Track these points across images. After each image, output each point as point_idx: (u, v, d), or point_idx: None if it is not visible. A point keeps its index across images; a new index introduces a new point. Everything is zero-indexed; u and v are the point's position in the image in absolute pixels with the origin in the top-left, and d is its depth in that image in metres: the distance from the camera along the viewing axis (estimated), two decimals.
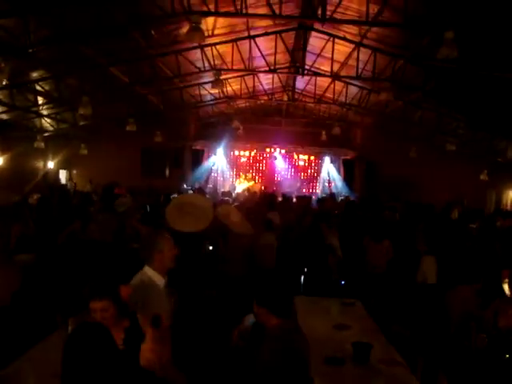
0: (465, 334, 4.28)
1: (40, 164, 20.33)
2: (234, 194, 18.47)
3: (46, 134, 18.86)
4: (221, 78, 14.98)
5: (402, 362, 4.50)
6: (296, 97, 20.79)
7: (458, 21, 9.27)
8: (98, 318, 3.18)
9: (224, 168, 23.94)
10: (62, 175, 21.93)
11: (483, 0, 8.99)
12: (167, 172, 22.30)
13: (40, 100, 15.90)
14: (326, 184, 24.01)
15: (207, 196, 14.93)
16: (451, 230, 9.52)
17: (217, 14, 10.70)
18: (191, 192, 16.63)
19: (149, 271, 4.13)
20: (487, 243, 8.09)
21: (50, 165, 20.72)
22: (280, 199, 14.61)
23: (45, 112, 17.30)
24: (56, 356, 3.72)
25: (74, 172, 22.34)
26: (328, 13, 11.18)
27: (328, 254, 8.01)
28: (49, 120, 18.31)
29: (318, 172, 24.38)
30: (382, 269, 8.09)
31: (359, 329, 5.19)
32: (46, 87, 14.87)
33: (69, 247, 7.42)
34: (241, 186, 23.30)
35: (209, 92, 18.72)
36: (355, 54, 14.16)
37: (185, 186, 20.43)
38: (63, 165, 21.60)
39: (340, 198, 18.80)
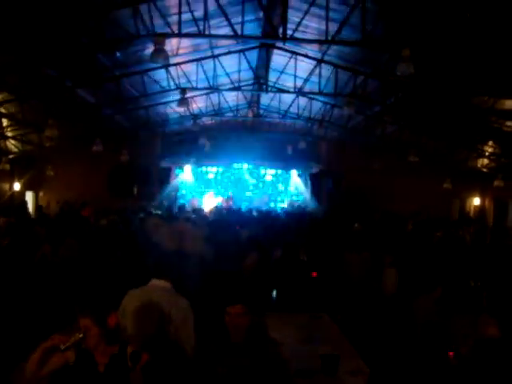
0: (430, 347, 4.41)
1: (6, 186, 20.03)
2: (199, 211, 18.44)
3: (11, 156, 18.64)
4: (186, 96, 15.08)
5: (369, 372, 4.61)
6: (261, 113, 21.05)
7: (415, 39, 9.61)
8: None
9: (192, 185, 23.95)
10: (29, 197, 21.59)
11: (438, 19, 9.33)
12: (135, 191, 22.18)
13: (5, 122, 15.76)
14: (294, 198, 24.21)
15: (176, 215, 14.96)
16: (410, 240, 9.77)
17: (180, 35, 10.80)
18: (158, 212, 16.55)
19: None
20: (447, 251, 8.34)
21: (16, 186, 20.42)
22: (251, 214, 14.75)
23: (9, 134, 17.12)
24: None
25: (41, 193, 22.03)
26: (289, 32, 11.40)
27: (305, 270, 8.08)
28: (14, 142, 18.11)
29: (285, 186, 24.59)
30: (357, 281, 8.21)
31: (327, 341, 5.30)
32: (11, 109, 14.76)
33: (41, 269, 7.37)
34: (209, 202, 23.34)
35: (174, 110, 18.80)
36: (317, 70, 14.46)
37: (154, 205, 20.28)
38: (30, 186, 21.30)
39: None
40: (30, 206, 20.31)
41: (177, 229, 8.52)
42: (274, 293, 8.20)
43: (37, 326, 5.15)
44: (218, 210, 18.02)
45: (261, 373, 3.27)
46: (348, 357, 4.84)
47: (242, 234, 9.70)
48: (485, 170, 19.52)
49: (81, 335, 3.00)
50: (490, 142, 17.13)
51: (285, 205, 23.98)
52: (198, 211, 16.69)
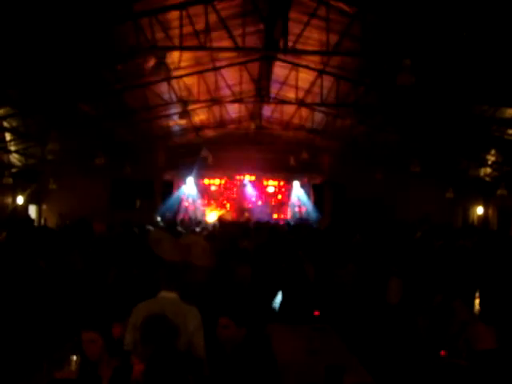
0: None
1: (9, 200, 20.07)
2: (203, 223, 18.50)
3: (14, 170, 18.70)
4: (188, 109, 15.16)
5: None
6: (263, 124, 21.09)
7: (415, 49, 9.66)
8: (85, 349, 3.22)
9: (195, 197, 23.98)
10: (32, 210, 21.63)
11: (438, 30, 9.38)
12: (138, 203, 22.18)
13: (7, 136, 15.83)
14: (297, 209, 24.21)
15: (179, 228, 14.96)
16: (415, 250, 9.73)
17: (181, 48, 10.88)
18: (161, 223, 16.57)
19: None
20: (447, 261, 8.31)
21: (19, 200, 20.46)
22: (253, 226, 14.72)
23: (12, 148, 17.18)
24: None
25: (44, 207, 22.07)
26: (290, 43, 11.49)
27: (305, 281, 8.07)
28: (17, 155, 18.17)
29: (288, 197, 24.59)
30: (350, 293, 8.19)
31: (331, 353, 5.29)
32: (13, 123, 14.83)
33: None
34: (212, 214, 23.37)
35: (177, 123, 18.87)
36: (319, 81, 14.51)
37: (158, 218, 20.29)
38: (32, 200, 21.35)
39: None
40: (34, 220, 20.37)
41: (184, 241, 8.49)
42: (277, 304, 8.20)
43: (37, 338, 5.16)
44: (221, 222, 18.03)
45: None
46: (351, 368, 4.81)
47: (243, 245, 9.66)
48: (487, 178, 19.50)
49: (75, 358, 3.06)
50: (492, 151, 17.13)
51: (287, 216, 23.96)
52: (201, 224, 16.75)
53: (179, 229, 14.07)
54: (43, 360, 4.20)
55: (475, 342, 4.23)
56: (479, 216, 21.88)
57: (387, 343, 5.82)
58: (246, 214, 22.97)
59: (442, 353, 4.30)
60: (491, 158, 17.93)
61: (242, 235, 10.86)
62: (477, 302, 10.01)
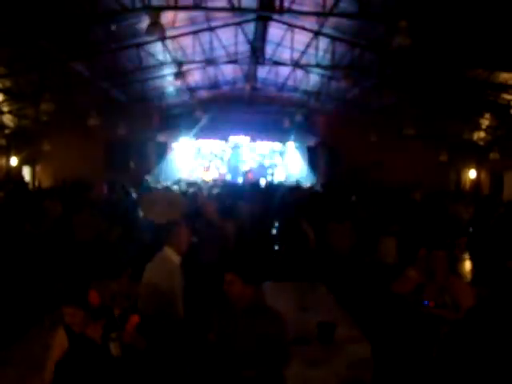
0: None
1: (2, 161, 20.07)
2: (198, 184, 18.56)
3: (7, 131, 18.64)
4: (182, 69, 15.06)
5: (364, 339, 4.78)
6: (258, 86, 20.96)
7: (412, 11, 9.61)
8: (68, 321, 3.36)
9: (189, 159, 24.03)
10: (26, 171, 21.66)
11: None
12: (132, 165, 22.20)
13: (0, 97, 15.73)
14: (291, 171, 24.33)
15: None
16: (411, 211, 9.88)
17: (176, 8, 10.76)
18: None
19: (168, 251, 4.73)
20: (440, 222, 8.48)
21: (13, 162, 20.46)
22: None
23: (5, 108, 17.09)
24: (35, 352, 3.95)
25: (38, 168, 22.07)
26: (286, 4, 11.39)
27: (305, 242, 8.19)
28: (10, 116, 18.08)
29: (283, 159, 24.68)
30: (346, 251, 8.32)
31: (324, 310, 5.46)
32: (6, 84, 14.73)
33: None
34: (206, 175, 23.49)
35: (171, 84, 18.74)
36: (314, 42, 14.41)
37: (147, 178, 20.30)
38: (26, 161, 21.34)
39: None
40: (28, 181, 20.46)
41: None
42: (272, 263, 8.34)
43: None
44: (214, 184, 18.16)
45: (259, 336, 3.40)
46: (343, 325, 4.98)
47: (240, 207, 9.78)
48: (481, 142, 19.63)
49: None
50: (486, 115, 17.20)
51: (282, 178, 24.10)
52: (195, 184, 16.85)
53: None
54: (43, 315, 4.36)
55: (458, 296, 4.42)
56: (472, 180, 22.11)
57: (379, 299, 6.00)
58: (249, 175, 23.17)
59: (425, 304, 4.49)
60: (485, 122, 18.03)
61: (238, 196, 10.94)
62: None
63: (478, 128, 18.59)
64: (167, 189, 14.46)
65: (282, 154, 24.80)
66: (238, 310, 3.52)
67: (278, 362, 3.50)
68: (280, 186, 17.81)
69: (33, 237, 7.74)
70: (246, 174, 23.83)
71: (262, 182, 20.10)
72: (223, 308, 3.62)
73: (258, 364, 3.37)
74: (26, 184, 18.83)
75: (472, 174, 22.09)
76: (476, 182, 21.76)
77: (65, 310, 3.34)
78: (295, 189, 15.38)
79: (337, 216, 8.84)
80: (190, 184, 17.52)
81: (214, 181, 20.18)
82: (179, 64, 14.97)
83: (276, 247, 9.19)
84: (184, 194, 12.81)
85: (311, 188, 18.45)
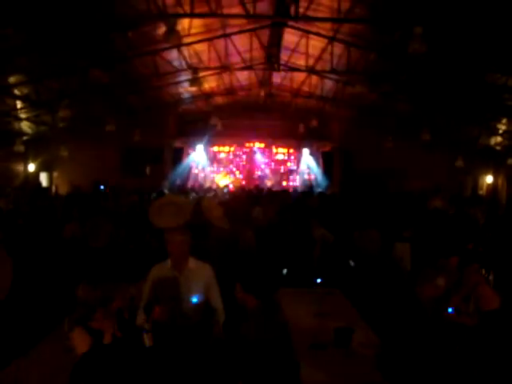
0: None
1: (20, 167, 20.29)
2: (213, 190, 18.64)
3: (25, 138, 18.85)
4: (198, 76, 15.15)
5: (380, 345, 4.77)
6: (273, 92, 21.01)
7: (427, 16, 9.60)
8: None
9: (204, 164, 24.12)
10: (43, 178, 21.88)
11: None
12: (148, 170, 22.33)
13: (18, 104, 15.93)
14: (306, 177, 24.30)
15: (191, 194, 15.17)
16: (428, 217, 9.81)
17: (192, 15, 10.86)
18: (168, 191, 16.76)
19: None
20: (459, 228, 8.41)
21: (31, 168, 20.68)
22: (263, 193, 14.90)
23: (23, 115, 17.30)
24: (55, 356, 4.01)
25: (55, 174, 22.29)
26: (301, 10, 11.45)
27: (313, 248, 8.21)
28: (28, 123, 18.30)
29: (298, 165, 24.66)
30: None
31: (340, 316, 5.46)
32: (25, 91, 14.92)
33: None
34: (221, 181, 23.54)
35: (187, 90, 18.88)
36: (329, 48, 14.44)
37: (166, 184, 20.45)
38: (44, 167, 21.56)
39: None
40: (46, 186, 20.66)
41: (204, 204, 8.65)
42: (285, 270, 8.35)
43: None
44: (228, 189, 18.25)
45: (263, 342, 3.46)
46: (360, 330, 4.98)
47: (255, 212, 9.83)
48: (498, 147, 19.47)
49: None
50: (504, 120, 17.07)
51: (297, 184, 24.09)
52: (208, 190, 16.91)
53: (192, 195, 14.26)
54: (63, 317, 4.43)
55: (482, 303, 4.41)
56: (489, 185, 21.89)
57: (396, 305, 5.98)
58: (267, 182, 23.21)
59: (449, 312, 4.49)
60: (502, 127, 17.87)
61: (254, 202, 10.99)
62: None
63: (495, 133, 18.43)
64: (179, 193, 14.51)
65: (297, 159, 24.76)
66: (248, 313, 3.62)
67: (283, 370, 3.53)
68: (295, 191, 17.84)
69: (57, 242, 7.85)
70: (260, 179, 23.85)
71: (278, 188, 20.12)
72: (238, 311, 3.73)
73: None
74: (45, 190, 19.02)
75: (489, 179, 21.88)
76: (493, 188, 21.55)
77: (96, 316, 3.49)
78: (310, 194, 15.40)
79: (366, 222, 8.83)
80: (206, 190, 17.61)
81: (229, 186, 20.23)
82: (195, 70, 15.06)
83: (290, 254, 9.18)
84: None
85: (328, 194, 18.41)
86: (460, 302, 4.54)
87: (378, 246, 8.44)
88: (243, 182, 23.55)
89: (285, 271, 8.38)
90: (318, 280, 6.63)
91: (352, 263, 7.94)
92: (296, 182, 24.43)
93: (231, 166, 24.54)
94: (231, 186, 21.29)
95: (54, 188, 20.99)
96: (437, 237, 7.30)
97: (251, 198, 11.78)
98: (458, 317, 4.47)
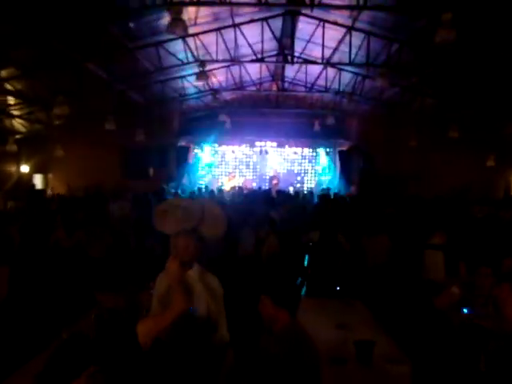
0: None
1: (12, 168, 20.41)
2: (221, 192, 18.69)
3: (18, 136, 18.96)
4: (205, 69, 15.19)
5: (405, 359, 4.77)
6: (286, 86, 21.06)
7: (456, 1, 9.53)
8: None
9: (212, 165, 24.19)
10: (37, 179, 21.95)
11: None
12: (151, 172, 22.38)
13: (11, 100, 16.04)
14: (322, 178, 24.29)
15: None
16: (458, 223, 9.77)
17: (198, 3, 10.90)
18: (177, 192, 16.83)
19: None
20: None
21: (24, 169, 20.79)
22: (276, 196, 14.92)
23: (16, 112, 17.40)
24: None
25: (50, 176, 22.36)
26: None
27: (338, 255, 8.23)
28: (21, 121, 18.40)
29: (312, 166, 24.67)
30: (381, 266, 8.31)
31: (361, 328, 5.46)
32: (17, 86, 15.01)
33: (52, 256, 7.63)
34: (230, 183, 23.58)
35: (193, 85, 18.94)
36: (347, 38, 14.43)
37: (166, 186, 20.43)
38: (38, 168, 21.65)
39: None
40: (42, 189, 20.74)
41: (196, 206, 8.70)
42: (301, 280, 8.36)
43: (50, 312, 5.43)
44: (238, 190, 18.28)
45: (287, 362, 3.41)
46: (383, 344, 4.98)
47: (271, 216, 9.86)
48: None
49: None
50: None
51: (312, 185, 24.10)
52: (219, 192, 16.94)
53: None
54: (61, 329, 4.49)
55: (502, 306, 4.43)
56: None
57: (420, 316, 5.98)
58: (274, 182, 23.28)
59: (466, 313, 4.54)
60: None
61: (267, 205, 11.01)
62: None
63: None
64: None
65: (311, 159, 24.76)
66: (272, 332, 3.56)
67: None
68: (310, 194, 17.84)
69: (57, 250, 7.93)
70: (271, 180, 23.89)
71: (291, 190, 20.13)
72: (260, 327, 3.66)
73: None
74: (41, 192, 19.10)
75: None
76: None
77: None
78: (327, 197, 15.40)
79: (372, 228, 8.82)
80: (214, 192, 17.64)
81: (238, 188, 20.22)
82: (201, 63, 15.10)
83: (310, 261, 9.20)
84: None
85: (344, 197, 18.40)
86: (478, 306, 4.59)
87: (387, 252, 8.47)
88: (254, 184, 23.58)
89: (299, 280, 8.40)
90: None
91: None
92: (311, 184, 24.43)
93: (241, 166, 24.58)
94: (241, 188, 21.30)
95: (49, 191, 21.09)
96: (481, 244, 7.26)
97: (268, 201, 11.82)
98: (476, 320, 4.51)
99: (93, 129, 18.69)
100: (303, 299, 6.37)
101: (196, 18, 13.21)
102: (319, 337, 4.86)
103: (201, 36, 14.62)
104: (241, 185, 22.63)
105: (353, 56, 14.79)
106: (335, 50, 15.83)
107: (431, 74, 14.99)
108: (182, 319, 3.94)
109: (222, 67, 18.13)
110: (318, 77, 18.80)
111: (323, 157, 24.36)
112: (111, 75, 15.14)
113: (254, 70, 19.29)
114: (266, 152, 24.27)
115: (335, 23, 14.26)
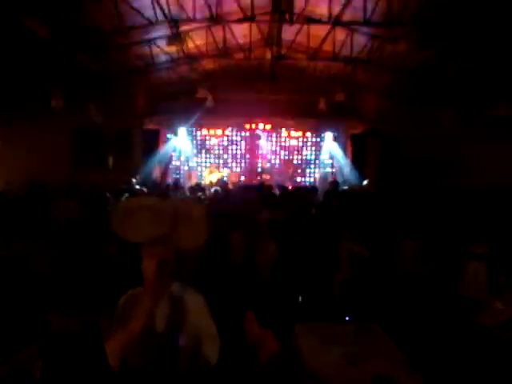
0: None
1: None
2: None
3: None
4: (179, 31, 15.09)
5: None
6: (283, 53, 20.93)
7: None
8: None
9: (189, 154, 24.13)
10: None
11: None
12: (110, 161, 22.27)
13: None
14: (329, 169, 24.28)
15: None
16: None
17: None
18: (143, 189, 16.76)
19: None
20: None
21: None
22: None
23: None
24: None
25: None
26: None
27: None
28: None
29: (317, 153, 24.65)
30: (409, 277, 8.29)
31: (380, 361, 5.39)
32: None
33: None
34: (212, 176, 23.53)
35: (163, 51, 18.79)
36: None
37: (135, 180, 20.38)
38: None
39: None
40: None
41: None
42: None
43: None
44: (222, 185, 18.28)
45: None
46: (406, 378, 4.95)
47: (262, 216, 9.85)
48: None
49: None
50: None
51: (315, 178, 24.12)
52: (197, 189, 16.89)
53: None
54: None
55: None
56: None
57: (457, 346, 5.92)
58: (265, 176, 23.26)
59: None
60: None
61: (261, 204, 11.00)
62: None
63: None
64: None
65: (315, 146, 24.73)
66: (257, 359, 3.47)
67: None
68: (314, 189, 17.83)
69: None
70: (263, 173, 23.92)
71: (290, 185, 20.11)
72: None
73: None
74: None
75: None
76: None
77: None
78: (337, 194, 15.37)
79: (407, 231, 8.81)
80: (192, 188, 17.61)
81: (221, 182, 20.21)
82: (175, 23, 14.98)
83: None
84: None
85: (359, 192, 18.38)
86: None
87: (415, 262, 8.44)
88: (242, 178, 23.56)
89: (300, 299, 8.36)
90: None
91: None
92: (315, 176, 24.45)
93: (226, 155, 24.55)
94: (227, 181, 21.29)
95: None
96: None
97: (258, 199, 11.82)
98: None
99: (35, 107, 18.50)
100: (303, 325, 6.35)
101: None
102: (327, 373, 4.81)
103: None
104: (225, 179, 22.61)
105: (369, 12, 14.67)
106: (346, 5, 15.67)
107: (469, 34, 14.87)
108: (151, 340, 3.98)
109: (202, 28, 17.95)
110: (324, 40, 18.70)
111: (330, 143, 24.32)
112: (58, 36, 14.91)
113: (242, 32, 19.16)
114: (258, 137, 24.21)
115: None
